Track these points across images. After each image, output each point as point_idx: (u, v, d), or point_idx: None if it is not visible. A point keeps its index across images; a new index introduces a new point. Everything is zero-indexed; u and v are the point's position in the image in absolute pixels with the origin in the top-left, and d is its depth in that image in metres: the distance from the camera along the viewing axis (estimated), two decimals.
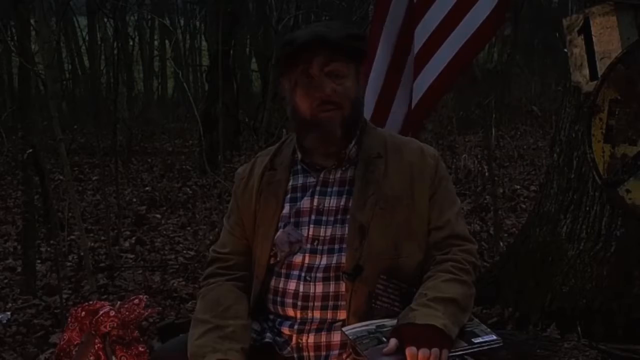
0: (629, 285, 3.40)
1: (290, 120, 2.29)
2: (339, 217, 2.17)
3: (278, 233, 2.19)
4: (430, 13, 3.73)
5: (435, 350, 1.84)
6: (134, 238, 6.92)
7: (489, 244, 5.54)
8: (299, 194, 2.23)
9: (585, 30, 3.27)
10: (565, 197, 3.66)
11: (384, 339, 1.92)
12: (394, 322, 1.99)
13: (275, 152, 2.34)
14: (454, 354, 1.91)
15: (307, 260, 2.15)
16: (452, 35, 3.70)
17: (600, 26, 3.20)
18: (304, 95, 2.15)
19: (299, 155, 2.26)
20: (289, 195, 2.24)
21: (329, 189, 2.20)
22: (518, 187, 8.31)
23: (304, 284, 2.13)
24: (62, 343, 2.57)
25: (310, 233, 2.16)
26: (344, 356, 2.10)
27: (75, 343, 2.53)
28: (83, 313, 2.51)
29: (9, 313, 4.66)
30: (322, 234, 2.16)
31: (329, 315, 2.12)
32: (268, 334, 2.18)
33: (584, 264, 3.51)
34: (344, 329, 2.02)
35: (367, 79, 3.75)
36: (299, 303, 2.13)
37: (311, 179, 2.23)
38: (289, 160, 2.28)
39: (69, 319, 2.57)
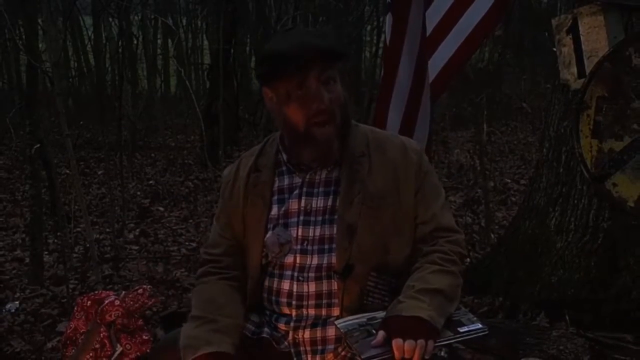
0: (616, 275, 3.41)
1: (282, 132, 2.19)
2: (326, 217, 2.13)
3: (268, 234, 2.15)
4: (433, 7, 3.69)
5: (421, 341, 1.82)
6: (138, 230, 6.91)
7: (481, 235, 5.54)
8: (286, 195, 2.18)
9: (574, 30, 3.27)
10: (554, 190, 3.66)
11: (374, 331, 1.91)
12: (384, 314, 1.98)
13: (259, 152, 2.28)
14: (439, 343, 1.90)
15: (298, 261, 2.12)
16: (454, 29, 3.68)
17: (588, 26, 3.20)
18: (299, 107, 2.04)
19: (284, 157, 2.21)
20: (276, 197, 2.19)
21: (315, 190, 2.16)
22: (509, 180, 8.31)
23: (297, 284, 2.11)
24: (68, 331, 2.57)
25: (300, 234, 2.13)
26: (340, 350, 2.09)
27: (81, 331, 2.53)
28: (89, 302, 2.51)
29: (17, 302, 4.66)
30: (310, 234, 2.12)
31: (323, 312, 2.10)
32: (265, 329, 2.16)
33: (572, 255, 3.52)
34: (336, 322, 2.01)
35: (390, 97, 3.65)
36: (294, 302, 2.11)
37: (297, 179, 2.18)
38: (273, 160, 2.22)
39: (76, 308, 2.57)
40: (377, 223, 2.10)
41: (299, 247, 2.12)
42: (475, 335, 1.94)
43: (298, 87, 2.03)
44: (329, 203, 2.13)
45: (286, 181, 2.20)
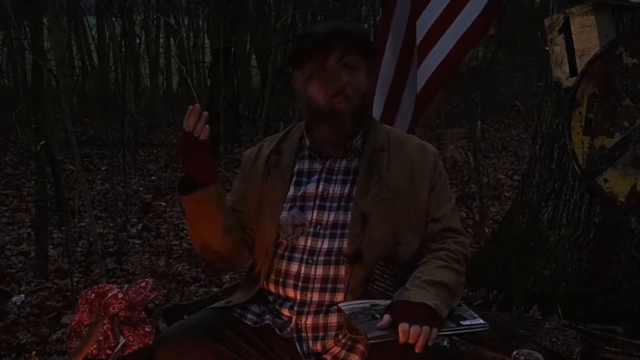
0: (607, 269, 3.41)
1: (304, 111, 2.29)
2: (342, 203, 2.18)
3: (283, 214, 2.19)
4: (428, 9, 3.70)
5: (426, 328, 1.84)
6: (140, 225, 6.90)
7: (475, 230, 5.54)
8: (304, 178, 2.24)
9: (566, 29, 3.26)
10: (546, 186, 3.66)
11: (378, 315, 1.93)
12: (387, 302, 1.99)
13: (282, 137, 2.35)
14: (443, 333, 1.93)
15: (309, 244, 2.15)
16: (449, 30, 3.68)
17: (579, 25, 3.19)
18: (319, 86, 2.14)
19: (307, 142, 2.27)
20: (294, 179, 2.24)
21: (334, 177, 2.21)
22: (502, 176, 8.31)
23: (305, 267, 2.14)
24: (72, 324, 2.56)
25: (314, 217, 2.17)
26: (340, 337, 2.11)
27: (85, 324, 2.52)
28: (93, 295, 2.50)
29: (23, 295, 4.66)
30: (325, 218, 2.17)
31: (327, 297, 2.12)
32: (267, 316, 2.18)
33: (565, 249, 3.52)
34: (340, 304, 2.03)
35: (376, 81, 3.70)
36: (300, 284, 2.13)
37: (317, 165, 2.24)
38: (296, 145, 2.29)
39: (80, 301, 2.56)
40: (390, 214, 2.15)
41: (311, 230, 2.17)
42: (476, 329, 1.98)
43: (320, 67, 2.14)
44: (346, 191, 2.19)
45: (306, 165, 2.26)
